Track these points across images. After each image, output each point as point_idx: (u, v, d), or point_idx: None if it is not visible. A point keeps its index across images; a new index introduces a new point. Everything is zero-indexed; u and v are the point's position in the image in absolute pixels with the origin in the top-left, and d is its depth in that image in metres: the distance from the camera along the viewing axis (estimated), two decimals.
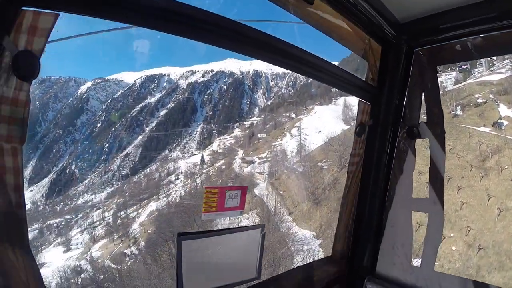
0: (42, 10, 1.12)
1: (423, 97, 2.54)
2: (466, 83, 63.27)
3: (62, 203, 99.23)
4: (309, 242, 39.51)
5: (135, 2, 1.28)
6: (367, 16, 2.14)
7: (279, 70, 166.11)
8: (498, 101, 48.06)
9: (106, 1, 1.23)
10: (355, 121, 2.63)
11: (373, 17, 2.17)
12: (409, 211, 2.55)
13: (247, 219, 39.85)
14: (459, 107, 47.30)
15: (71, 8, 1.16)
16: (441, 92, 2.56)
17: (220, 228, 2.04)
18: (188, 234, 1.78)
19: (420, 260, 2.45)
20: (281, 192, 50.38)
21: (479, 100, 49.24)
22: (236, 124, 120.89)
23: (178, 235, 1.73)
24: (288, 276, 2.40)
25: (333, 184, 47.11)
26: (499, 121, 42.01)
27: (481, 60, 70.63)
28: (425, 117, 2.53)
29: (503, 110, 45.00)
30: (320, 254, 35.27)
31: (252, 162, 68.62)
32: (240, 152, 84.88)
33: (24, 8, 1.10)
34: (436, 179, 2.48)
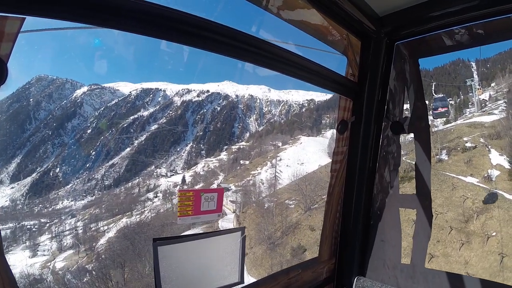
0: (9, 15, 1.10)
1: (405, 91, 2.53)
2: (455, 124, 60.08)
3: (40, 205, 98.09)
4: None
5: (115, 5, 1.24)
6: (344, 10, 2.07)
7: (274, 97, 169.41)
8: (489, 146, 43.80)
9: (85, 3, 1.18)
10: (337, 118, 2.59)
11: (351, 11, 2.10)
12: (397, 208, 2.52)
13: None
14: (445, 151, 44.46)
15: (38, 12, 1.11)
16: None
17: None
18: (164, 240, 1.74)
19: (409, 257, 2.42)
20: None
21: (468, 144, 45.34)
22: (225, 147, 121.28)
23: (153, 241, 1.70)
24: (274, 279, 2.26)
25: (292, 228, 44.80)
26: (489, 171, 37.80)
27: (474, 99, 70.83)
28: (409, 112, 2.53)
29: (495, 157, 40.95)
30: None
31: (227, 189, 67.94)
32: (221, 177, 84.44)
33: None
34: (423, 174, 2.44)
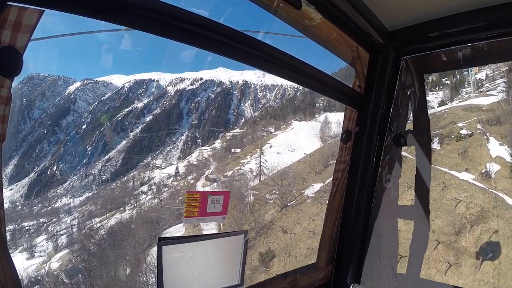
0: (28, 6, 1.08)
1: (409, 105, 2.56)
2: (449, 106, 54.16)
3: (40, 204, 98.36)
4: None
5: (125, 2, 1.25)
6: (355, 24, 2.13)
7: (268, 82, 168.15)
8: (487, 134, 37.68)
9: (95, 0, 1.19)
10: (341, 127, 2.63)
11: (361, 25, 2.16)
12: (395, 218, 2.57)
13: None
14: (437, 138, 37.57)
15: (58, 6, 1.11)
16: None
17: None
18: (169, 239, 1.77)
19: (405, 268, 2.45)
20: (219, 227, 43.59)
21: (463, 131, 39.16)
22: (220, 134, 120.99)
23: (158, 240, 1.71)
24: (273, 282, 2.32)
25: (266, 229, 40.72)
26: (487, 166, 31.69)
27: (470, 78, 67.81)
28: (412, 125, 2.55)
29: (494, 147, 34.77)
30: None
31: (215, 180, 66.93)
32: (213, 167, 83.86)
33: (10, 3, 1.06)
34: (422, 187, 2.50)
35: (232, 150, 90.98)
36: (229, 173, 69.41)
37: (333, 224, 2.64)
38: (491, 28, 2.08)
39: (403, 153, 2.58)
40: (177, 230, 47.60)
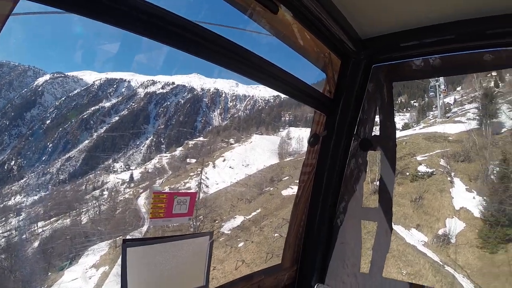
0: None
1: (377, 111, 2.64)
2: (411, 133, 45.73)
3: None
4: None
5: None
6: (329, 30, 2.17)
7: (240, 92, 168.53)
8: (452, 174, 29.94)
9: None
10: (310, 131, 2.66)
11: (335, 31, 2.20)
12: (359, 220, 2.64)
13: None
14: None
15: None
16: None
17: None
18: (134, 241, 1.75)
19: (368, 267, 2.52)
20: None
21: (422, 168, 31.45)
22: (184, 142, 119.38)
23: (123, 242, 1.69)
24: (238, 284, 2.30)
25: None
26: (447, 226, 24.07)
27: (437, 102, 62.61)
28: (378, 131, 2.62)
29: (459, 194, 26.96)
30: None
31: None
32: (166, 175, 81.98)
33: None
34: (386, 190, 2.56)
35: (188, 160, 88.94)
36: (177, 185, 67.03)
37: (298, 226, 2.70)
38: (460, 41, 2.23)
39: (369, 158, 2.68)
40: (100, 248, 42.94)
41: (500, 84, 64.01)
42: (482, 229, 23.13)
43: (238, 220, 39.96)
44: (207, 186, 60.80)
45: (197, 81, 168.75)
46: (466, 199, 26.45)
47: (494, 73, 66.07)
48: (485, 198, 25.58)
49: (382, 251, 2.54)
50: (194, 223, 38.45)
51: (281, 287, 2.60)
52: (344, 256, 2.64)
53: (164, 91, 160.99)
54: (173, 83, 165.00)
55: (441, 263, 21.11)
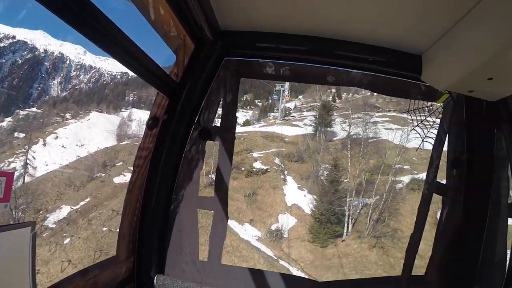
0: None
1: (221, 103, 2.65)
2: (251, 130, 50.16)
3: None
4: None
5: None
6: (191, 13, 2.07)
7: (87, 61, 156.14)
8: (286, 173, 33.53)
9: None
10: (150, 113, 2.50)
11: (196, 16, 2.11)
12: (195, 208, 2.64)
13: None
14: None
15: None
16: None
17: None
18: None
19: (207, 255, 2.58)
20: None
21: (257, 165, 34.38)
22: (16, 111, 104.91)
23: None
24: (71, 281, 2.02)
25: None
26: (280, 221, 26.35)
27: (279, 105, 66.68)
28: (219, 122, 2.65)
29: (292, 191, 30.38)
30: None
31: None
32: None
33: None
34: (222, 180, 2.63)
35: (15, 134, 76.97)
36: None
37: (133, 214, 2.51)
38: (310, 54, 2.44)
39: (207, 148, 2.67)
40: None
41: (337, 100, 79.63)
42: (313, 225, 25.94)
43: (65, 211, 37.41)
44: (34, 168, 55.41)
45: (42, 40, 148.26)
46: (298, 196, 29.30)
47: (333, 89, 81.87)
48: (315, 197, 28.93)
49: (219, 238, 2.58)
50: (15, 214, 34.72)
51: (120, 281, 2.40)
52: (182, 244, 2.58)
53: (1, 44, 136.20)
54: (13, 36, 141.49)
55: (275, 258, 22.55)
